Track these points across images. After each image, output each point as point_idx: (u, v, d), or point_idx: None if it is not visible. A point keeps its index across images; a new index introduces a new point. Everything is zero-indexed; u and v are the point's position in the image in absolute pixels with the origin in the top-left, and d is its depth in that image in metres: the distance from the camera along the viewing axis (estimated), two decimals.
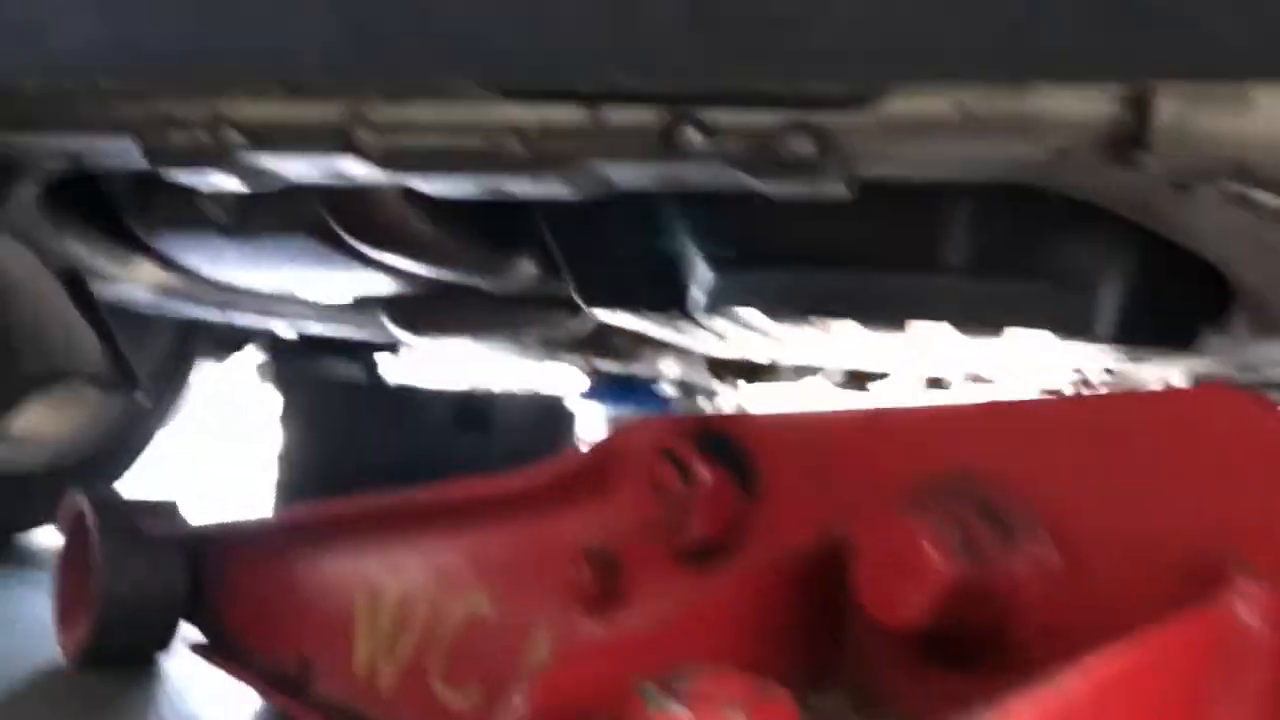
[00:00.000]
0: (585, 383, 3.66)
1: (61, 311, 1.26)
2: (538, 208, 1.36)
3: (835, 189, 0.97)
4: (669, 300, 1.44)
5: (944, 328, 1.35)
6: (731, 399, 6.04)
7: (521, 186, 1.04)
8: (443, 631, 0.98)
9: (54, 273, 1.33)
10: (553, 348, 2.21)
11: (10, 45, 0.88)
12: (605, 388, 3.51)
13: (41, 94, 1.09)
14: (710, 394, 6.62)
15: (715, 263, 1.24)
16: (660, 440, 0.71)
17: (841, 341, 1.72)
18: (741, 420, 0.70)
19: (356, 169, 1.05)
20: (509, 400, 1.77)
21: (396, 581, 1.06)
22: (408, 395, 1.63)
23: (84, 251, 1.54)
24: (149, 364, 2.73)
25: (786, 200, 0.99)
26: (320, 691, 1.17)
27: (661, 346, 2.49)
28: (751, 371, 2.89)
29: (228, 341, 3.37)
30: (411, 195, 1.36)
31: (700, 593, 0.68)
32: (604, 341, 2.18)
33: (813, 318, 1.36)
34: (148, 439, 2.78)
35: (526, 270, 1.65)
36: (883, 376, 3.52)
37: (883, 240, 1.16)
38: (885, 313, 1.27)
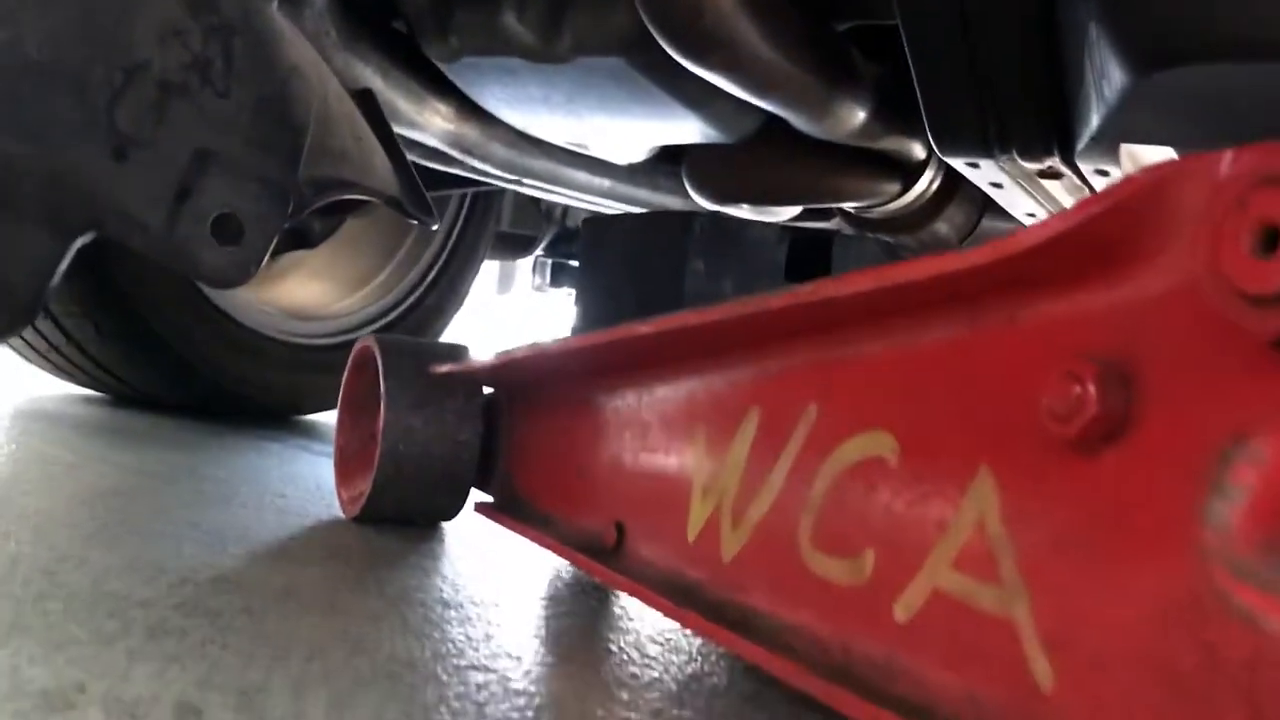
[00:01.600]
0: None
1: (351, 121, 1.12)
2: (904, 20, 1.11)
3: None
4: (1049, 133, 1.17)
5: None
6: None
7: None
8: (820, 483, 0.72)
9: (347, 88, 1.20)
10: (866, 230, 1.96)
11: None
12: None
13: None
14: None
15: (1132, 58, 0.95)
16: (1261, 176, 0.42)
17: None
18: None
19: None
20: (848, 244, 1.51)
21: (749, 426, 0.81)
22: (734, 229, 1.40)
23: (377, 82, 1.42)
24: (435, 244, 2.69)
25: None
26: (636, 558, 0.95)
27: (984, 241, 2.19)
28: None
29: (514, 241, 3.32)
30: None
31: None
32: (924, 225, 1.91)
33: None
34: (437, 327, 2.73)
35: (854, 113, 1.41)
36: None
37: None
38: None
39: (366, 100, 1.24)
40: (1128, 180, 0.50)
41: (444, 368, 1.23)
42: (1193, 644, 0.48)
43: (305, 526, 1.22)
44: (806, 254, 1.46)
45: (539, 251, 3.46)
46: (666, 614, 0.85)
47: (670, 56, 1.19)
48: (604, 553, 0.98)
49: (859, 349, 0.71)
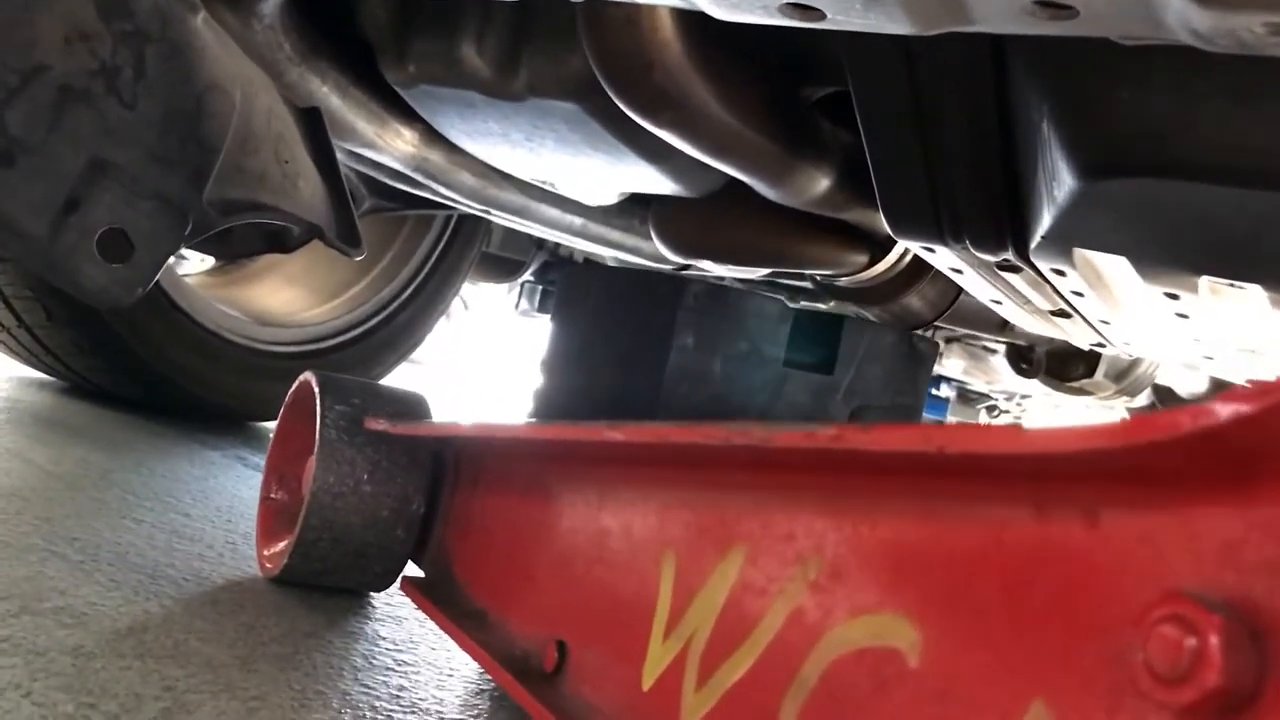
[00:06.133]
0: None
1: (279, 142, 1.08)
2: (855, 91, 1.07)
3: None
4: (1002, 227, 1.12)
5: None
6: (1014, 412, 5.48)
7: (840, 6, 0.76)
8: (814, 661, 0.60)
9: (290, 107, 1.16)
10: (833, 298, 1.92)
11: None
12: None
13: None
14: (992, 405, 6.08)
15: (1082, 164, 0.91)
16: None
17: (1199, 330, 1.34)
18: None
19: None
20: (859, 329, 1.38)
21: (731, 566, 0.68)
22: (731, 301, 1.26)
23: (334, 100, 1.38)
24: (415, 261, 2.65)
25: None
26: (576, 692, 0.81)
27: (966, 320, 2.14)
28: (1065, 368, 2.48)
29: (500, 264, 3.29)
30: (697, 59, 1.11)
31: None
32: (894, 298, 1.87)
33: (1210, 277, 1.01)
34: (408, 344, 2.69)
35: (816, 182, 1.37)
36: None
37: None
38: None
39: (311, 120, 1.20)
40: (1244, 397, 0.39)
41: (389, 426, 1.10)
42: None
43: (192, 554, 1.17)
44: (812, 337, 1.35)
45: (527, 276, 3.43)
46: None
47: None
48: (539, 676, 0.85)
49: (880, 510, 0.59)
